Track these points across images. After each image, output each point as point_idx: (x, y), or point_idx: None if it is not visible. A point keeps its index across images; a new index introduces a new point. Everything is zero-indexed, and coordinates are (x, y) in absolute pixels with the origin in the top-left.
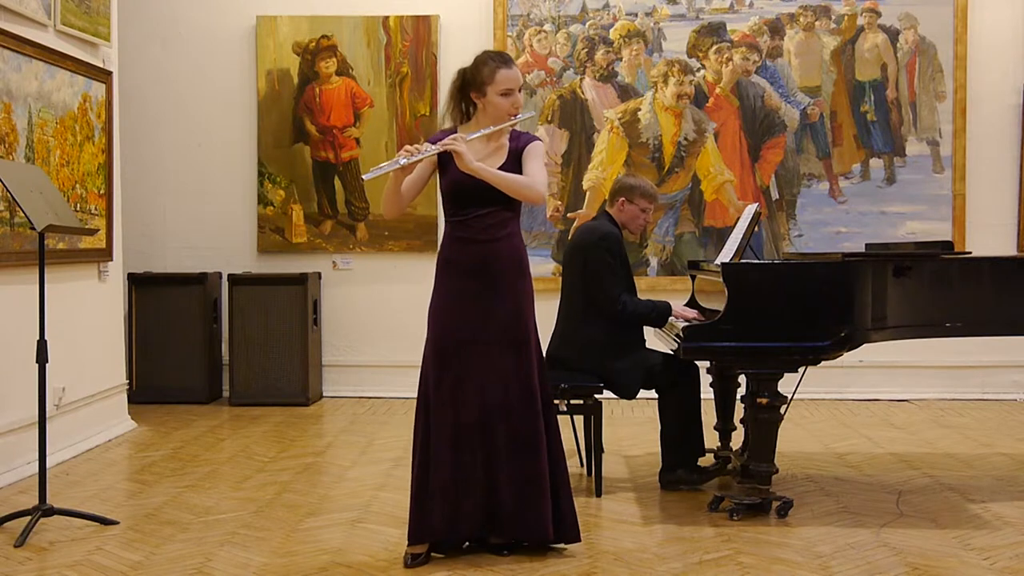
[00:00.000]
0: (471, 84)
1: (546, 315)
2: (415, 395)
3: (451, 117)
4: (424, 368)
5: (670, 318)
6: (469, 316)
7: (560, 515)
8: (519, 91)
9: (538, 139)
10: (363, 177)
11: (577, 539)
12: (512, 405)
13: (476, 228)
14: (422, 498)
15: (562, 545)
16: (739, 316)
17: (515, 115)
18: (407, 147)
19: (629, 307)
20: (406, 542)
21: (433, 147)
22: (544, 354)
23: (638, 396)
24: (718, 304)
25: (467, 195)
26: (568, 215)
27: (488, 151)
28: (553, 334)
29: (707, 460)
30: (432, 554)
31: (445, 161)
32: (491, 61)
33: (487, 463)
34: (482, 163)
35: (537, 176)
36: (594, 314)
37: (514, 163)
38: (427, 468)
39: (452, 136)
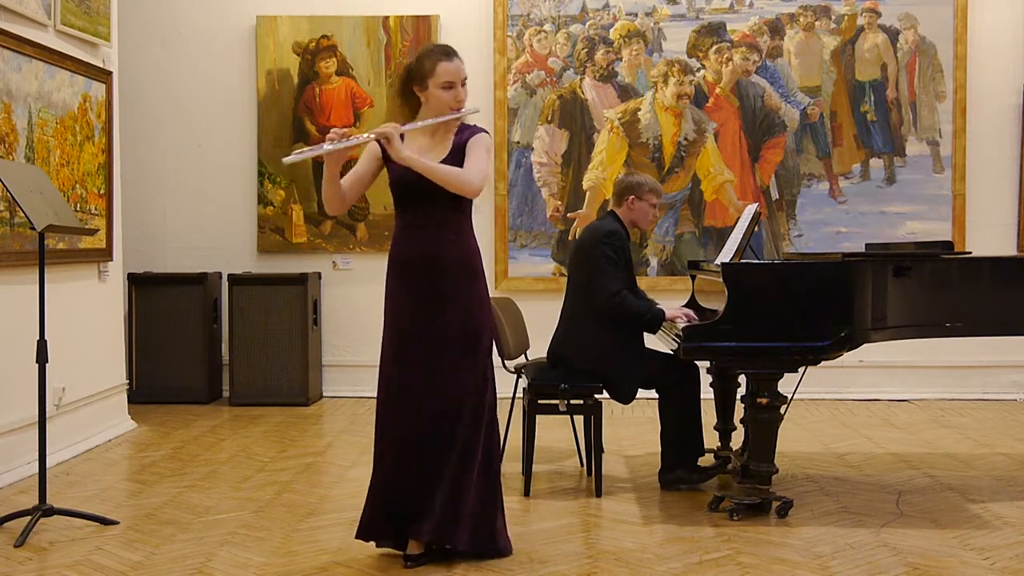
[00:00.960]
0: (412, 78)
1: (546, 315)
2: None
3: (400, 114)
4: (381, 368)
5: (665, 321)
6: (417, 316)
7: (493, 529)
8: (463, 85)
9: (485, 131)
10: (283, 160)
11: (507, 552)
12: (456, 410)
13: (420, 227)
14: (368, 496)
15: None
16: (739, 316)
17: (458, 109)
18: (335, 130)
19: (626, 303)
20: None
21: (363, 136)
22: (546, 352)
23: (638, 396)
24: (718, 304)
25: (409, 190)
26: (568, 215)
27: (431, 145)
28: (555, 332)
29: (707, 460)
30: (429, 554)
31: (390, 155)
32: (433, 54)
33: (422, 467)
34: (420, 156)
35: (473, 167)
36: (595, 314)
37: (457, 157)
38: (374, 468)
39: (385, 124)
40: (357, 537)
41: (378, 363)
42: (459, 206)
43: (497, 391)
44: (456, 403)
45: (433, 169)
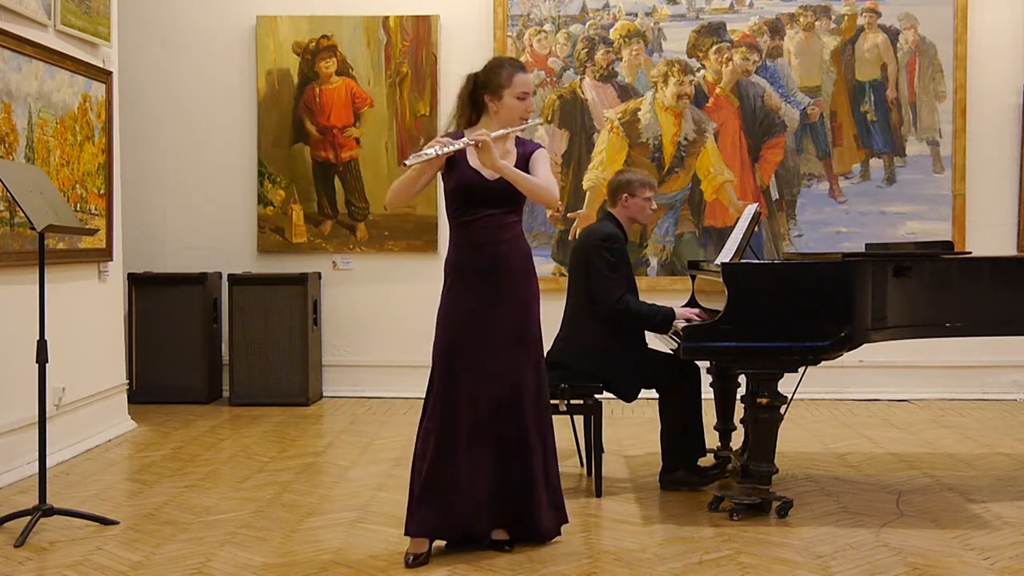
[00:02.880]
0: (485, 87)
1: (547, 315)
2: (415, 395)
3: (457, 122)
4: (433, 369)
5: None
6: (478, 318)
7: (556, 507)
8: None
9: (543, 147)
10: (406, 163)
11: (566, 520)
12: (516, 404)
13: (484, 230)
14: (425, 493)
15: (559, 537)
16: (739, 316)
17: (527, 119)
18: (439, 138)
19: (632, 307)
20: (406, 538)
21: (462, 140)
22: (546, 355)
23: (638, 396)
24: (718, 304)
25: (475, 195)
26: (568, 215)
27: (499, 153)
28: (556, 336)
29: (707, 460)
30: (433, 550)
31: (452, 161)
32: (508, 65)
33: (491, 461)
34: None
35: (551, 180)
36: (596, 316)
37: (522, 167)
38: (433, 464)
39: (480, 132)
40: (413, 535)
41: (384, 364)
42: (517, 211)
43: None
44: (522, 391)
45: (523, 178)
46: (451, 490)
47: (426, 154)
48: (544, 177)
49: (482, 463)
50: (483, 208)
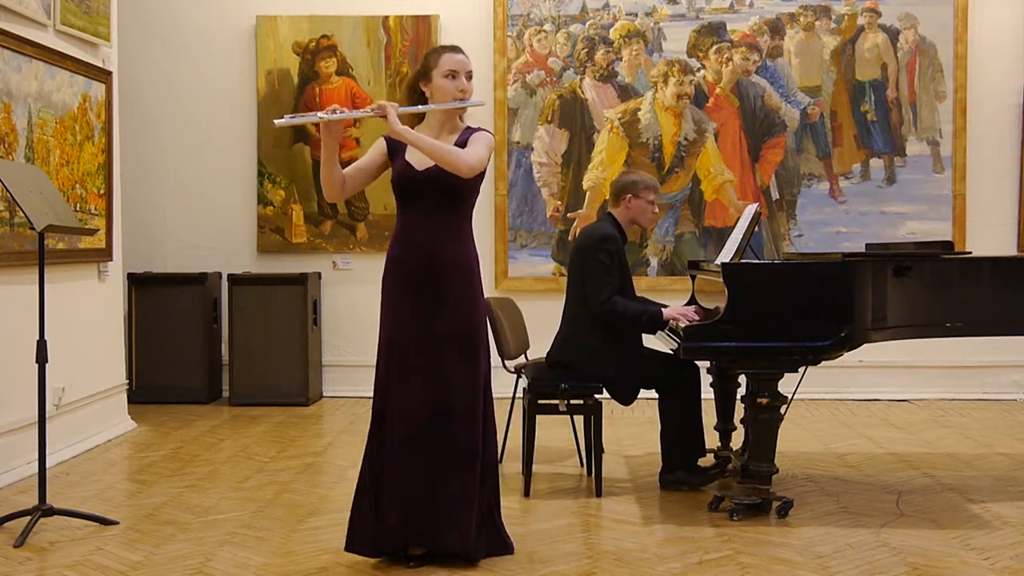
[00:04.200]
0: (420, 76)
1: (547, 316)
2: None
3: (405, 118)
4: (377, 370)
5: (669, 322)
6: (417, 317)
7: (494, 528)
8: (468, 79)
9: (489, 132)
10: (275, 122)
11: (509, 551)
12: (457, 415)
13: (421, 228)
14: (357, 504)
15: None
16: (739, 316)
17: (462, 100)
18: (335, 105)
19: (619, 308)
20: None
21: (360, 110)
22: (546, 356)
23: (638, 396)
24: (718, 304)
25: (407, 187)
26: (568, 215)
27: (395, 118)
28: (556, 336)
29: (707, 460)
30: (421, 555)
31: (394, 153)
32: (438, 49)
33: (424, 475)
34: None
35: (471, 149)
36: (593, 319)
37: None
38: (369, 477)
39: (382, 101)
40: (348, 550)
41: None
42: (460, 208)
43: (493, 390)
44: (457, 403)
45: (427, 144)
46: (373, 508)
47: (300, 117)
48: (468, 148)
49: (407, 480)
50: (416, 200)
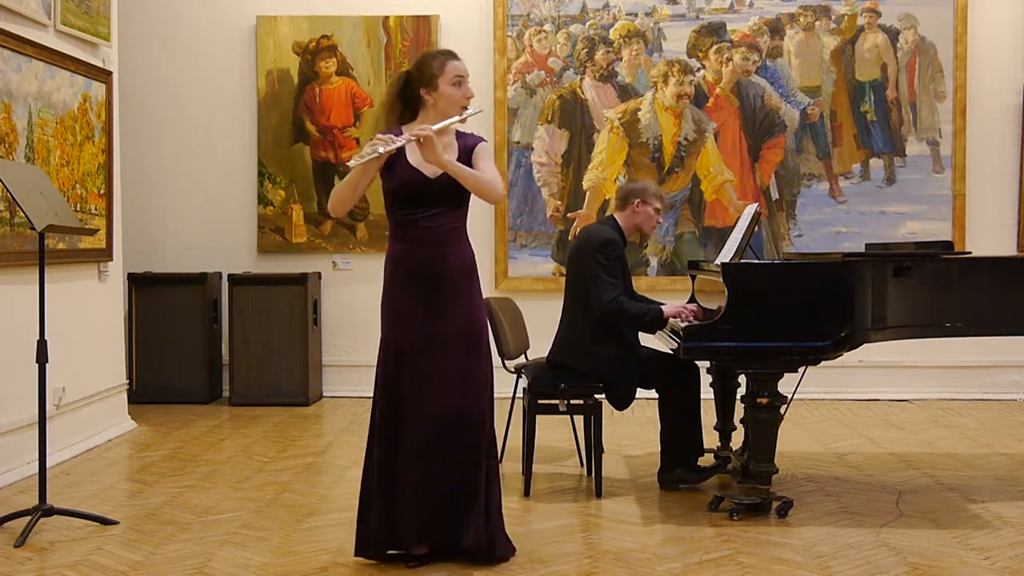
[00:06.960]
0: (419, 81)
1: (546, 315)
2: None
3: (387, 121)
4: (378, 371)
5: (669, 321)
6: (422, 318)
7: (492, 530)
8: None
9: (484, 139)
10: (348, 164)
11: (511, 553)
12: (462, 415)
13: (428, 230)
14: (367, 508)
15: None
16: (739, 316)
17: (467, 107)
18: (379, 136)
19: (626, 307)
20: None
21: (403, 137)
22: (546, 355)
23: (637, 396)
24: (718, 304)
25: (418, 194)
26: (568, 215)
27: (440, 147)
28: (555, 338)
29: (707, 460)
30: (422, 555)
31: (391, 160)
32: (439, 55)
33: (442, 475)
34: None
35: (495, 174)
36: (592, 320)
37: (464, 161)
38: (374, 478)
39: (421, 126)
40: (359, 555)
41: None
42: (462, 210)
43: (495, 391)
44: (464, 404)
45: (468, 173)
46: (383, 508)
47: (369, 154)
48: (488, 171)
49: (413, 480)
50: (426, 207)
